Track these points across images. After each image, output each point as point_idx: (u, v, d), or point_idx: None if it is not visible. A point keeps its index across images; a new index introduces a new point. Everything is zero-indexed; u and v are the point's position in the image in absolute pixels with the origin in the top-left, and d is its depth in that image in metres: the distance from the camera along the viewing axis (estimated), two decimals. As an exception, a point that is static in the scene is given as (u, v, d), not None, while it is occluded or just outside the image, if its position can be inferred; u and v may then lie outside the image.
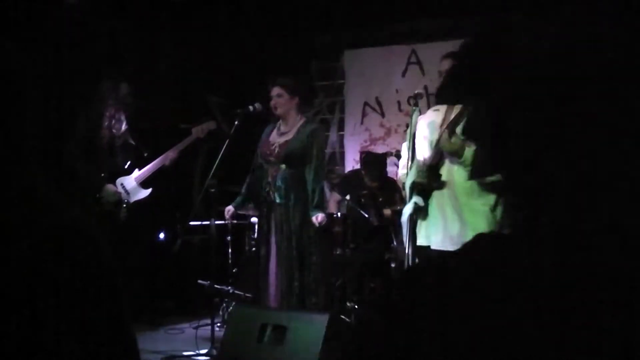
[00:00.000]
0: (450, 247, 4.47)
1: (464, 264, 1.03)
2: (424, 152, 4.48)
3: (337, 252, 5.98)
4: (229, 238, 6.25)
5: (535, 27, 1.14)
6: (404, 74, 7.65)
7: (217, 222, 5.48)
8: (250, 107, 5.16)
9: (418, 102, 4.37)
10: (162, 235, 6.83)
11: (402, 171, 4.76)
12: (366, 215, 6.21)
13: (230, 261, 6.24)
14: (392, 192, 6.28)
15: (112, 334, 1.49)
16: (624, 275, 1.07)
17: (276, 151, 5.12)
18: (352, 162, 7.84)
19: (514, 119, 1.02)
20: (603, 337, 1.02)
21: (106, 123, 5.97)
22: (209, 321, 5.13)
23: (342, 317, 5.33)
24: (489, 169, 1.14)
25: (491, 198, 4.43)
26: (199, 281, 6.24)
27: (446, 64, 4.55)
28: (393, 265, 5.80)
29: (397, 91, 7.67)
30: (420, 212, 4.38)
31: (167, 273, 6.59)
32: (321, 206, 5.10)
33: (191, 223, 5.76)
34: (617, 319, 1.03)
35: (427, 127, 4.58)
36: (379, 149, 7.54)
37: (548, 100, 1.00)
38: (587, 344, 1.02)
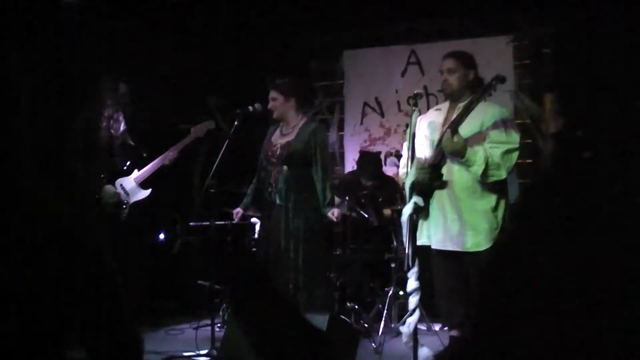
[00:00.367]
0: (451, 246, 4.47)
1: None
2: (424, 151, 4.48)
3: (337, 253, 5.98)
4: (228, 239, 6.24)
5: None
6: (403, 74, 7.65)
7: (217, 223, 5.47)
8: (250, 108, 5.16)
9: (417, 102, 4.36)
10: (162, 236, 6.82)
11: (403, 171, 4.76)
12: (366, 216, 6.21)
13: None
14: (391, 190, 6.28)
15: (112, 333, 1.49)
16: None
17: (278, 152, 5.12)
18: (352, 163, 7.83)
19: None
20: None
21: (104, 123, 5.97)
22: (209, 322, 5.13)
23: (342, 317, 5.32)
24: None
25: (492, 198, 4.43)
26: (199, 282, 6.24)
27: (448, 63, 4.55)
28: (393, 265, 5.80)
29: (396, 91, 7.67)
30: (421, 212, 4.38)
31: (167, 274, 6.59)
32: (333, 203, 5.10)
33: (191, 224, 5.76)
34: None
35: (427, 126, 4.58)
36: (379, 149, 7.55)
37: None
38: None
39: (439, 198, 4.46)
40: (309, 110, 7.68)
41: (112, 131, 6.00)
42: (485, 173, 4.29)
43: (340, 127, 7.99)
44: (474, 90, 4.46)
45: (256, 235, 6.27)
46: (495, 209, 4.42)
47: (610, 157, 1.35)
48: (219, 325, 5.75)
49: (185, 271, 6.64)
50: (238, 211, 5.45)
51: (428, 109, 5.15)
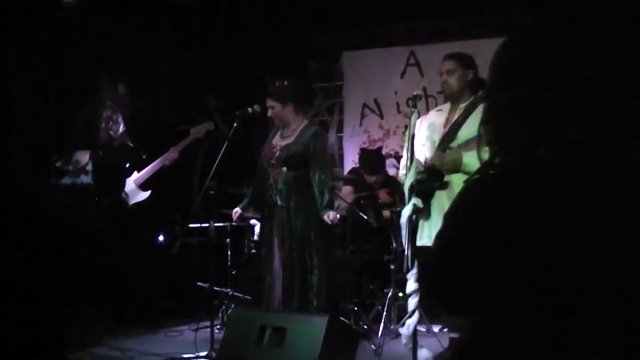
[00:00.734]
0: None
1: None
2: (425, 152, 4.48)
3: (337, 254, 5.98)
4: (228, 240, 6.24)
5: None
6: (402, 75, 7.65)
7: (216, 224, 5.47)
8: (249, 109, 5.16)
9: (417, 103, 4.36)
10: (161, 238, 6.82)
11: (403, 172, 4.76)
12: (365, 217, 6.21)
13: (229, 263, 6.23)
14: (395, 187, 6.28)
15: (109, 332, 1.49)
16: None
17: (277, 154, 5.13)
18: (351, 164, 7.83)
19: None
20: None
21: (103, 125, 5.96)
22: (208, 323, 5.12)
23: (342, 318, 5.32)
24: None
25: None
26: (199, 283, 6.23)
27: (447, 64, 4.54)
28: (392, 267, 5.80)
29: (395, 93, 7.67)
30: (420, 214, 4.37)
31: (167, 275, 6.58)
32: (331, 205, 5.09)
33: (190, 225, 5.76)
34: None
35: (427, 128, 4.58)
36: (378, 150, 7.55)
37: None
38: None
39: (439, 199, 4.45)
40: (309, 111, 7.69)
41: (111, 132, 6.00)
42: None
43: (340, 129, 7.99)
44: (474, 90, 4.46)
45: (256, 237, 6.27)
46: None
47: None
48: (218, 326, 5.75)
49: (184, 273, 6.63)
50: (237, 211, 5.45)
51: (427, 110, 5.15)
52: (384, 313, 5.53)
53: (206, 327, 5.25)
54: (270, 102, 5.14)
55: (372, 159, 6.73)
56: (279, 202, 5.09)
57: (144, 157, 6.14)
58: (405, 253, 3.88)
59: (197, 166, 6.95)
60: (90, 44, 6.55)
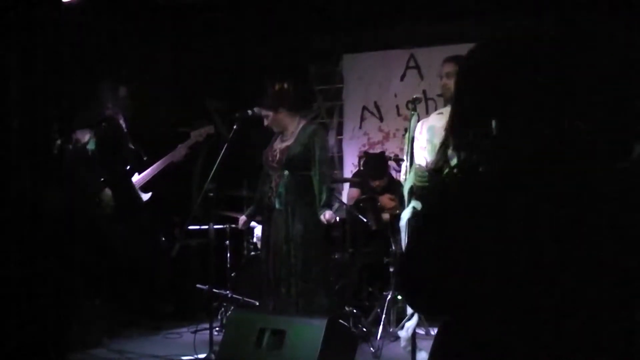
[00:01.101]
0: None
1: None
2: (426, 156, 4.47)
3: (336, 257, 5.98)
4: (227, 242, 6.24)
5: None
6: (402, 78, 7.65)
7: (216, 226, 5.47)
8: (249, 111, 5.16)
9: (416, 106, 4.36)
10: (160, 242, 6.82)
11: (404, 177, 4.76)
12: (365, 220, 6.21)
13: (229, 265, 6.23)
14: (398, 191, 6.29)
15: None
16: None
17: (277, 157, 5.13)
18: (350, 167, 7.83)
19: None
20: None
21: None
22: (207, 325, 5.12)
23: (341, 321, 5.32)
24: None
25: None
26: (198, 285, 6.23)
27: (447, 67, 4.54)
28: (392, 269, 5.80)
29: (395, 95, 7.67)
30: (420, 217, 4.37)
31: (166, 277, 6.59)
32: (329, 205, 5.09)
33: (190, 227, 5.76)
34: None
35: (427, 131, 4.57)
36: (378, 153, 7.55)
37: None
38: None
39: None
40: (309, 113, 7.69)
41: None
42: None
43: (339, 131, 7.99)
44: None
45: (255, 239, 6.28)
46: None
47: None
48: (217, 328, 5.75)
49: (183, 275, 6.63)
50: (243, 218, 5.47)
51: (427, 113, 5.15)
52: (383, 316, 5.53)
53: (205, 329, 5.25)
54: (263, 112, 5.16)
55: (376, 163, 6.74)
56: (277, 206, 5.09)
57: (144, 158, 6.14)
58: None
59: (197, 168, 6.95)
60: (90, 45, 6.55)
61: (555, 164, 1.39)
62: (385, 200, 6.57)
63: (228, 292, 6.07)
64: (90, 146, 5.78)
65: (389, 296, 5.63)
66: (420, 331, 5.46)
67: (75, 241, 4.76)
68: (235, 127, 5.08)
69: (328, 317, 4.49)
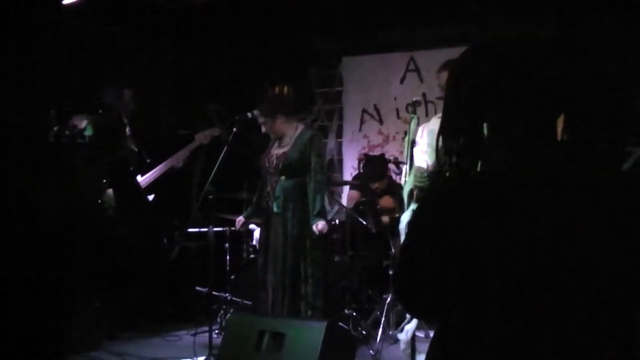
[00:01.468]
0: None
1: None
2: (427, 159, 4.48)
3: (336, 259, 5.98)
4: (227, 245, 6.25)
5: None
6: (402, 81, 7.66)
7: (215, 229, 5.47)
8: (249, 114, 5.17)
9: (416, 109, 4.37)
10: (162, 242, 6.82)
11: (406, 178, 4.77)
12: (364, 223, 6.21)
13: (228, 268, 6.23)
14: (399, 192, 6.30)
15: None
16: None
17: (274, 162, 5.14)
18: (350, 169, 7.84)
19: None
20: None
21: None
22: (207, 328, 5.12)
23: (340, 324, 5.32)
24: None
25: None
26: (197, 288, 6.23)
27: (443, 77, 4.48)
28: (391, 272, 5.80)
29: (395, 98, 7.67)
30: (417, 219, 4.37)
31: (166, 279, 6.58)
32: (322, 214, 5.08)
33: (189, 230, 5.76)
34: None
35: (428, 135, 4.57)
36: (377, 156, 7.55)
37: None
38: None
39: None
40: (308, 116, 7.70)
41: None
42: None
43: (339, 134, 8.00)
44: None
45: (254, 242, 6.28)
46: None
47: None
48: (216, 331, 5.75)
49: (183, 277, 6.63)
50: (240, 219, 5.47)
51: (427, 116, 5.15)
52: (383, 318, 5.53)
53: (205, 331, 5.25)
54: (260, 120, 5.16)
55: (376, 165, 6.74)
56: (276, 210, 5.10)
57: (148, 161, 6.15)
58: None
59: (196, 170, 6.95)
60: (90, 48, 6.56)
61: (554, 166, 1.39)
62: (386, 201, 6.57)
63: (227, 294, 6.07)
64: (88, 132, 5.75)
65: (389, 299, 5.63)
66: (420, 334, 5.46)
67: (76, 242, 4.76)
68: (235, 129, 5.09)
69: (327, 319, 4.49)
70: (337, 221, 6.26)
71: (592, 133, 1.40)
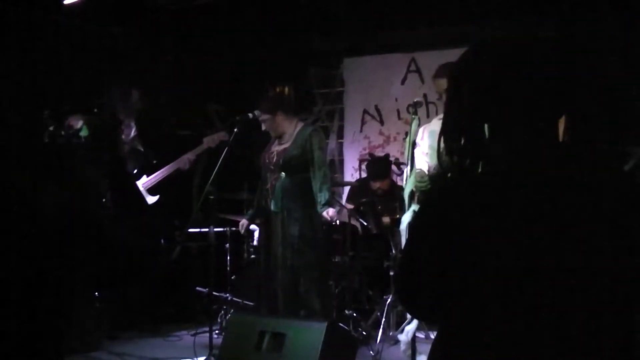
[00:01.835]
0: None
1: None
2: (428, 160, 4.47)
3: (336, 260, 5.98)
4: (227, 245, 6.25)
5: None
6: (403, 82, 7.65)
7: (216, 229, 5.47)
8: (250, 115, 5.17)
9: (417, 110, 4.36)
10: (161, 242, 6.82)
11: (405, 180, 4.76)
12: (365, 224, 6.21)
13: (229, 268, 6.23)
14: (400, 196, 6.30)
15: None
16: None
17: (275, 159, 5.13)
18: (351, 170, 7.84)
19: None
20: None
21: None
22: (207, 328, 5.13)
23: (341, 324, 5.32)
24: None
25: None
26: (198, 288, 6.23)
27: (442, 84, 4.40)
28: (392, 273, 5.80)
29: (396, 99, 7.67)
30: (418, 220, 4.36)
31: (166, 279, 6.58)
32: (330, 203, 5.08)
33: (190, 230, 5.76)
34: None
35: (429, 136, 4.56)
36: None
37: None
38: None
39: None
40: (309, 117, 7.70)
41: (123, 136, 6.01)
42: None
43: (340, 135, 8.00)
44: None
45: (255, 242, 6.27)
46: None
47: None
48: (217, 332, 5.75)
49: (183, 277, 6.63)
50: (243, 222, 5.47)
51: (428, 117, 5.14)
52: (383, 319, 5.53)
53: (205, 331, 5.25)
54: (262, 116, 5.16)
55: (380, 164, 6.75)
56: (274, 208, 5.10)
57: (154, 162, 6.15)
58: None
59: (197, 171, 6.95)
60: (90, 48, 6.56)
61: (555, 166, 1.39)
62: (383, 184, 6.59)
63: (228, 295, 6.07)
64: (83, 133, 5.74)
65: (389, 300, 5.62)
66: (420, 335, 5.45)
67: (76, 241, 4.74)
68: (236, 130, 5.09)
69: (328, 320, 4.48)
70: (337, 222, 6.26)
71: (592, 133, 1.40)
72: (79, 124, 5.60)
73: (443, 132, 1.51)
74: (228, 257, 6.23)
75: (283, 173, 5.09)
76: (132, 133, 6.12)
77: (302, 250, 5.03)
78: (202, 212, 5.38)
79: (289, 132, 5.19)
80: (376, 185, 6.64)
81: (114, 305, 5.97)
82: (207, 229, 5.37)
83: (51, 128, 5.20)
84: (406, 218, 4.12)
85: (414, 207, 4.11)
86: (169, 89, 7.62)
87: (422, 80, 7.50)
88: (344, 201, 7.04)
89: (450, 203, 1.43)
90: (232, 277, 6.22)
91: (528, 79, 1.42)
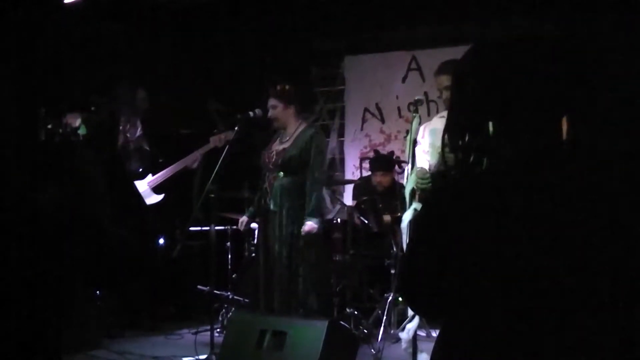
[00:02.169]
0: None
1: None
2: (429, 159, 4.47)
3: (337, 258, 5.98)
4: (228, 244, 6.25)
5: None
6: (404, 80, 7.65)
7: (216, 228, 5.47)
8: (251, 113, 5.16)
9: (418, 108, 4.35)
10: (161, 241, 6.82)
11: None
12: (366, 222, 6.21)
13: (229, 267, 6.23)
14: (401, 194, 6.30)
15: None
16: None
17: (274, 159, 5.13)
18: (351, 168, 7.84)
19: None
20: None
21: (120, 127, 5.96)
22: (208, 327, 5.13)
23: (342, 323, 5.32)
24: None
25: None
26: (199, 287, 6.23)
27: (443, 81, 4.39)
28: (393, 271, 5.79)
29: (397, 97, 7.67)
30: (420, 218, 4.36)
31: (167, 278, 6.58)
32: (316, 213, 5.05)
33: (191, 228, 5.76)
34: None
35: (430, 134, 4.55)
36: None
37: None
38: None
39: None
40: (310, 116, 7.69)
41: (128, 135, 6.01)
42: None
43: (341, 133, 8.00)
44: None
45: (256, 241, 6.27)
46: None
47: None
48: (218, 330, 5.75)
49: (184, 276, 6.63)
50: (243, 220, 5.47)
51: (428, 115, 5.14)
52: (384, 317, 5.52)
53: (206, 330, 5.26)
54: (273, 102, 5.13)
55: (385, 159, 6.77)
56: (272, 207, 5.10)
57: (160, 161, 6.15)
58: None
59: (198, 170, 6.95)
60: (90, 48, 6.56)
61: (556, 165, 1.39)
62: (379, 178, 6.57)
63: (229, 293, 6.08)
64: (82, 131, 5.74)
65: (390, 298, 5.62)
66: (421, 333, 5.46)
67: (75, 240, 4.75)
68: (236, 129, 5.08)
69: (329, 318, 4.48)
70: (338, 220, 6.25)
71: (593, 133, 1.40)
72: (78, 122, 5.60)
73: (447, 129, 1.51)
74: (229, 256, 6.23)
75: (281, 172, 5.08)
76: (138, 132, 6.11)
77: (301, 248, 5.03)
78: (203, 211, 5.38)
79: (291, 129, 5.18)
80: (377, 179, 6.61)
81: (115, 304, 5.97)
82: (207, 228, 5.37)
83: (49, 126, 5.20)
84: (407, 216, 4.12)
85: (415, 205, 4.10)
86: (169, 88, 7.61)
87: (423, 79, 7.49)
88: (349, 201, 7.03)
89: (452, 202, 1.43)
90: (233, 276, 6.22)
91: (528, 79, 1.42)
